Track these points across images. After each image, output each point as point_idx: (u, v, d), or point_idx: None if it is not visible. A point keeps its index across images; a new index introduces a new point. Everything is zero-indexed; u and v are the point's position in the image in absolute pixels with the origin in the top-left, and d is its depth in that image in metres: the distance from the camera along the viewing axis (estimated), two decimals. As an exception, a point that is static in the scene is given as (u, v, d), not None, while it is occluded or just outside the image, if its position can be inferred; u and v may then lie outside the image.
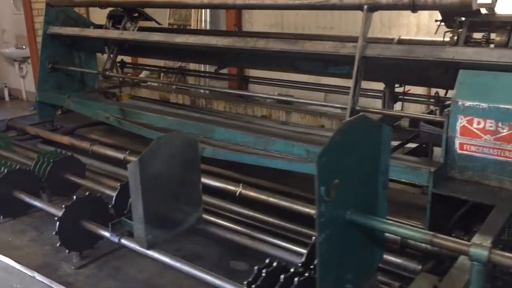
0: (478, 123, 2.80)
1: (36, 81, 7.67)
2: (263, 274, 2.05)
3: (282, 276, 2.02)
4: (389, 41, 3.68)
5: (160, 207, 2.63)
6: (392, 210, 3.23)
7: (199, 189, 2.89)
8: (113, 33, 4.87)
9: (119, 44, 5.11)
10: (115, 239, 2.76)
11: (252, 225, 3.20)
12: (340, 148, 1.82)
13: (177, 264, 2.50)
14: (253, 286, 2.01)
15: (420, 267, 2.69)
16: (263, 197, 3.27)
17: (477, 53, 2.83)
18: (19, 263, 3.05)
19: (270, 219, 3.26)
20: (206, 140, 4.05)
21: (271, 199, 3.23)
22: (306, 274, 2.05)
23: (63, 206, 2.85)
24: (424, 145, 3.72)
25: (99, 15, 6.08)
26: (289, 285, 2.01)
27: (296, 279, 2.00)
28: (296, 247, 2.89)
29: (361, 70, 3.22)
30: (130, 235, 2.79)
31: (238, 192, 3.39)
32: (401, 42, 3.67)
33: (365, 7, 3.16)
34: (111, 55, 5.13)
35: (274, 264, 2.12)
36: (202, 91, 5.93)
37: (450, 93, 3.78)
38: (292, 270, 2.08)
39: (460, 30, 3.14)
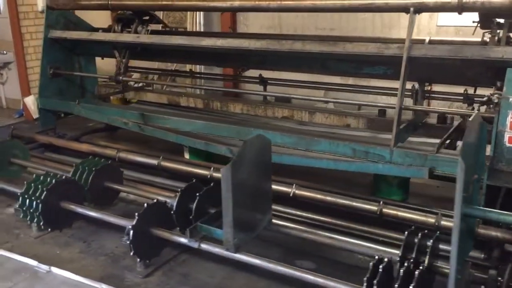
0: (529, 118, 2.99)
1: (21, 87, 7.41)
2: (380, 270, 2.11)
3: (401, 270, 2.09)
4: (420, 42, 3.83)
5: (244, 211, 2.64)
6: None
7: (270, 191, 2.91)
8: (128, 37, 4.76)
9: (131, 48, 5.00)
10: (195, 245, 2.74)
11: (315, 225, 3.26)
12: (471, 145, 1.92)
13: (271, 266, 2.52)
14: (374, 281, 2.07)
15: (482, 255, 2.85)
16: (319, 196, 3.34)
17: (525, 52, 3.02)
18: (81, 276, 2.95)
19: (327, 219, 3.34)
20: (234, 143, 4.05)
21: (329, 198, 3.30)
22: (421, 267, 2.14)
23: (136, 214, 2.79)
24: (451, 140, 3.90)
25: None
26: (408, 278, 2.09)
27: (416, 272, 2.07)
28: (363, 242, 2.97)
29: (408, 70, 3.34)
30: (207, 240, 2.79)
31: (291, 193, 3.44)
32: (431, 43, 3.83)
33: (412, 9, 3.29)
34: (123, 59, 5.02)
35: (385, 259, 2.19)
36: (198, 92, 5.92)
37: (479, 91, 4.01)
38: (405, 264, 2.15)
39: (498, 31, 3.34)
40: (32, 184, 3.23)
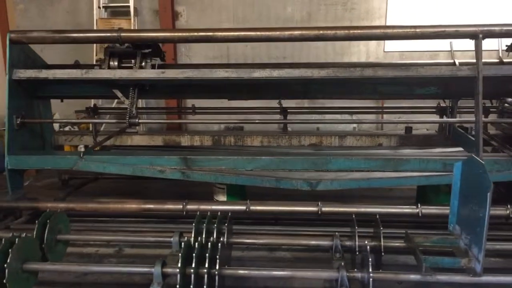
0: None
1: None
2: None
3: None
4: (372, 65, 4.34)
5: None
6: None
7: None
8: (150, 73, 4.14)
9: (139, 86, 4.36)
10: (432, 279, 2.62)
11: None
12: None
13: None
14: None
15: None
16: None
17: None
18: None
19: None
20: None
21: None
22: None
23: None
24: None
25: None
26: None
27: None
28: None
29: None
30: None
31: (419, 213, 3.56)
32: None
33: (480, 35, 3.79)
34: (133, 99, 4.32)
35: None
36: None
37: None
38: None
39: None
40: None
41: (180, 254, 2.66)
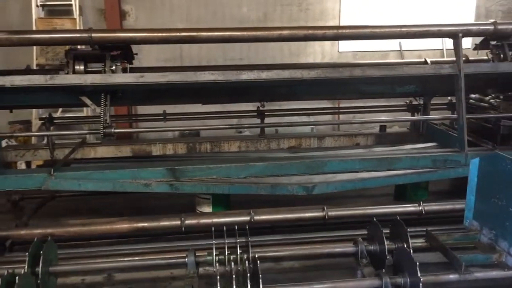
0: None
1: None
2: None
3: None
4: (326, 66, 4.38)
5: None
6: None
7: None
8: (126, 77, 3.76)
9: (111, 92, 3.95)
10: (470, 277, 2.63)
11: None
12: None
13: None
14: None
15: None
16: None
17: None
18: None
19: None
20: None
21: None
22: None
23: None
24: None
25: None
26: None
27: None
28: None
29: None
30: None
31: (422, 210, 3.58)
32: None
33: (460, 34, 3.93)
34: (106, 107, 3.90)
35: None
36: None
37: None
38: None
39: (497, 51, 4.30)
40: None
41: (218, 277, 2.41)
